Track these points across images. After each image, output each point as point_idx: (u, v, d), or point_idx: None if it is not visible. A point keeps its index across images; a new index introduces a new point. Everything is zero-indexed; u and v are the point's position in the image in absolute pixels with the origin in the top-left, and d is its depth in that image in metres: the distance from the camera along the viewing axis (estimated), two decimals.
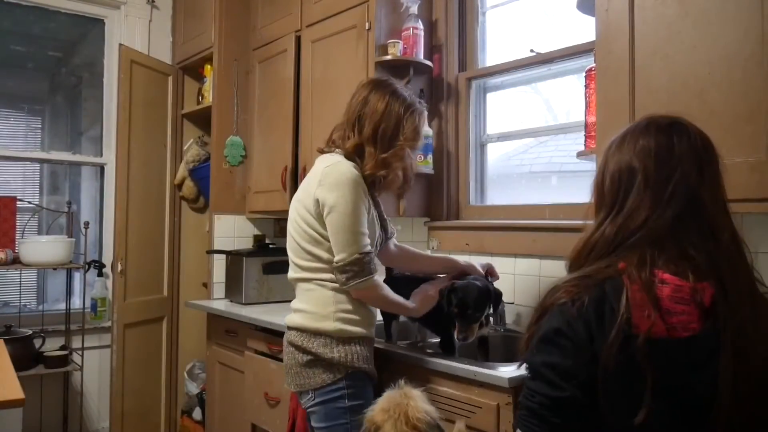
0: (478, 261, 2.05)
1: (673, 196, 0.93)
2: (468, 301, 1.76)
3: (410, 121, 1.76)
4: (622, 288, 0.90)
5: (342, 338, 1.70)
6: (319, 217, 1.70)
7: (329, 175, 1.69)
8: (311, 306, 1.74)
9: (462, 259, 2.07)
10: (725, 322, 0.87)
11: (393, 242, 1.99)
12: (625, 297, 0.89)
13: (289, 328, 1.80)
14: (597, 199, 1.02)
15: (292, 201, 1.85)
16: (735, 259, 0.92)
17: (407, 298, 1.87)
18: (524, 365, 0.97)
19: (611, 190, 0.99)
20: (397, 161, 1.76)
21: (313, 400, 1.70)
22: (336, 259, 1.67)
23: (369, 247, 1.70)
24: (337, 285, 1.71)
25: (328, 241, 1.69)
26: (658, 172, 0.94)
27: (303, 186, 1.81)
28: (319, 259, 1.73)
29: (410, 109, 1.77)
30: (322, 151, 1.84)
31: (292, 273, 1.83)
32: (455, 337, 1.80)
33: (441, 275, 2.00)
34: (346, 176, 1.68)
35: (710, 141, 1.00)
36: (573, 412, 0.91)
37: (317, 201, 1.69)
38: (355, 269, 1.66)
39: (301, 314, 1.76)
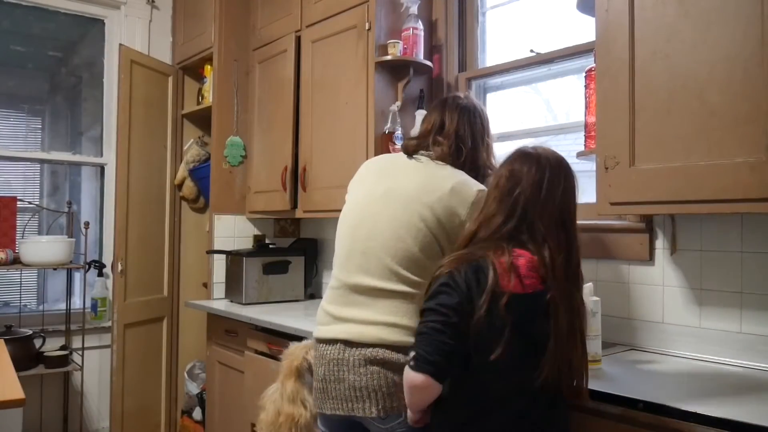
0: None
1: (514, 210, 1.35)
2: None
3: None
4: (491, 263, 1.29)
5: None
6: (452, 229, 1.57)
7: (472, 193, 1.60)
8: (410, 320, 1.52)
9: None
10: (551, 288, 1.29)
11: None
12: (494, 268, 1.28)
13: (373, 345, 1.53)
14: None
15: (401, 193, 1.60)
16: (556, 252, 1.32)
17: None
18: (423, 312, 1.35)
19: (487, 197, 1.44)
20: None
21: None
22: None
23: None
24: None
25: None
26: (509, 192, 1.37)
27: (426, 186, 1.60)
28: (430, 275, 1.46)
29: None
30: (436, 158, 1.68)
31: (387, 284, 1.55)
32: None
33: None
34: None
35: (559, 171, 1.38)
36: (454, 335, 1.27)
37: (456, 214, 1.58)
38: None
39: (395, 330, 1.53)
